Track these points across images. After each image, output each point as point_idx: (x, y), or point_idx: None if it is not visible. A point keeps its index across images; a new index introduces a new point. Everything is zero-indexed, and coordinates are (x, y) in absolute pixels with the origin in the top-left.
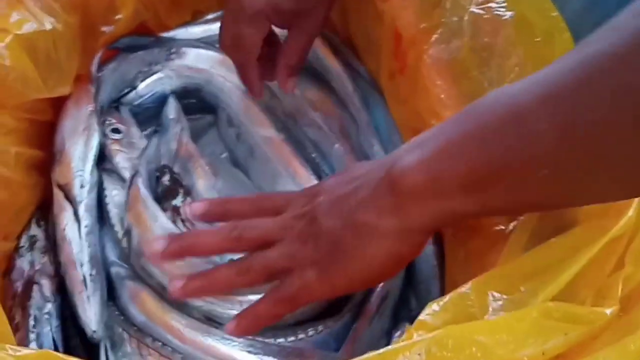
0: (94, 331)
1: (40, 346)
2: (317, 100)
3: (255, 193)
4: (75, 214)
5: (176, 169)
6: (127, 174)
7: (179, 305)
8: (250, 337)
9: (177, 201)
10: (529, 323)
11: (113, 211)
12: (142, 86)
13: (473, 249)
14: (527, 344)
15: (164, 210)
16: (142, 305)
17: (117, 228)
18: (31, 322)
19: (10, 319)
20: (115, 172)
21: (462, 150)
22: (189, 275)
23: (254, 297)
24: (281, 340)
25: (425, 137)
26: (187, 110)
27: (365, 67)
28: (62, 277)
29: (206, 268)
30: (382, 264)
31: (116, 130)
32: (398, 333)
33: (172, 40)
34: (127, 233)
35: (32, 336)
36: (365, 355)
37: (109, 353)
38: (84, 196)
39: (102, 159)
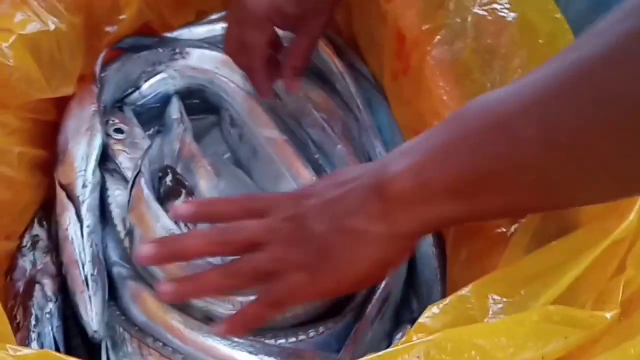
0: (95, 331)
1: (41, 346)
2: (320, 101)
3: (242, 194)
4: (78, 213)
5: (179, 169)
6: (129, 174)
7: (180, 306)
8: (251, 337)
9: (180, 201)
10: (529, 326)
11: (115, 211)
12: (145, 86)
13: (474, 251)
14: (526, 348)
15: (167, 210)
16: (144, 305)
17: (120, 228)
18: (32, 322)
19: (12, 318)
20: (117, 172)
21: (449, 156)
22: (178, 278)
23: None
24: (282, 341)
25: (413, 144)
26: (190, 110)
27: (369, 68)
28: (63, 277)
29: (206, 269)
30: (370, 268)
31: (119, 130)
32: (399, 335)
33: (175, 40)
34: (129, 233)
35: (33, 336)
36: (365, 358)
37: (110, 353)
38: (87, 196)
39: (105, 159)
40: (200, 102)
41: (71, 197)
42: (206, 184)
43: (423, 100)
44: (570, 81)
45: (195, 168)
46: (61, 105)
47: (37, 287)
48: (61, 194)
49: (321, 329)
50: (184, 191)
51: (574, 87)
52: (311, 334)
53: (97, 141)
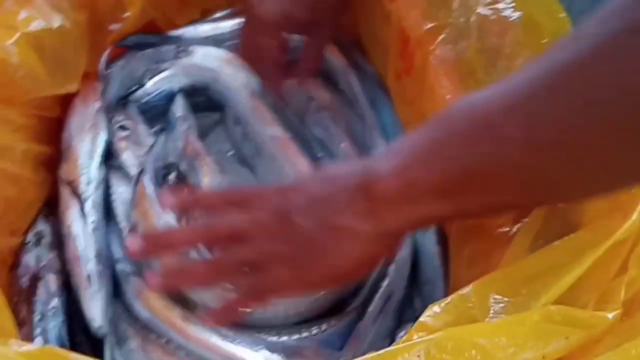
0: (99, 327)
1: (45, 341)
2: (324, 100)
3: (227, 186)
4: (82, 210)
5: (183, 166)
6: (133, 171)
7: (184, 303)
8: (255, 334)
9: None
10: (530, 326)
11: (119, 208)
12: (150, 84)
13: (477, 251)
14: (527, 347)
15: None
16: (147, 301)
17: (123, 225)
18: (37, 318)
19: (16, 314)
20: (122, 169)
21: (434, 156)
22: (165, 270)
23: None
24: (285, 338)
25: (400, 144)
26: (195, 108)
27: (373, 67)
28: (67, 273)
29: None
30: (354, 264)
31: (123, 128)
32: (402, 333)
33: (180, 38)
34: (133, 230)
35: (38, 331)
36: (366, 356)
37: (114, 349)
38: (91, 193)
39: (109, 156)
40: (204, 99)
41: (75, 194)
42: (210, 182)
43: (426, 100)
44: (551, 83)
45: (199, 165)
46: (65, 102)
47: (41, 283)
48: (65, 191)
49: (324, 327)
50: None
51: (558, 88)
52: (314, 332)
53: (102, 138)
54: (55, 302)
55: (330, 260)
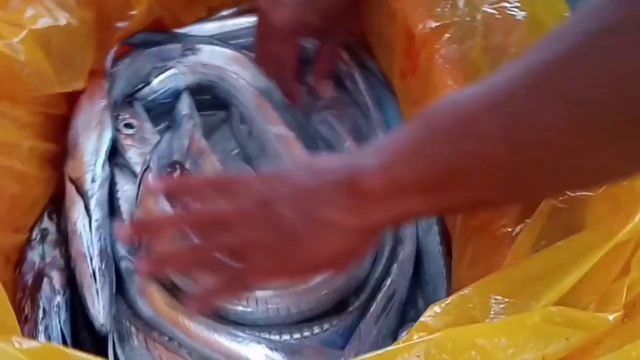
0: (102, 324)
1: (48, 338)
2: (330, 99)
3: (214, 174)
4: (87, 207)
5: (187, 165)
6: (138, 169)
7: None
8: (256, 333)
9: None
10: (530, 327)
11: (124, 206)
12: (156, 82)
13: (480, 251)
14: (527, 349)
15: (174, 206)
16: (151, 299)
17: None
18: (40, 315)
19: (20, 311)
20: (127, 167)
21: (417, 153)
22: (153, 257)
23: (261, 293)
24: (287, 337)
25: (384, 141)
26: (200, 106)
27: (379, 66)
28: (72, 270)
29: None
30: (334, 257)
31: (129, 125)
32: (405, 333)
33: (186, 36)
34: None
35: (41, 328)
36: (366, 355)
37: (117, 346)
38: (96, 190)
39: (115, 154)
40: (210, 98)
41: (80, 191)
42: None
43: (431, 99)
44: (532, 82)
45: (203, 164)
46: (72, 100)
47: (45, 280)
48: (70, 188)
49: (326, 326)
50: None
51: (538, 87)
52: (316, 331)
53: (107, 136)
54: (59, 299)
55: (310, 252)
